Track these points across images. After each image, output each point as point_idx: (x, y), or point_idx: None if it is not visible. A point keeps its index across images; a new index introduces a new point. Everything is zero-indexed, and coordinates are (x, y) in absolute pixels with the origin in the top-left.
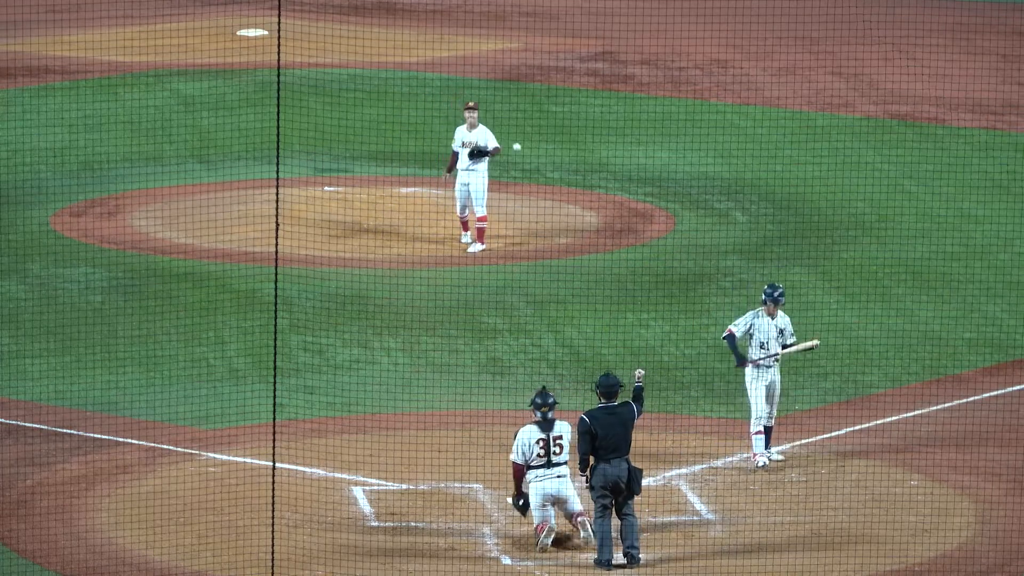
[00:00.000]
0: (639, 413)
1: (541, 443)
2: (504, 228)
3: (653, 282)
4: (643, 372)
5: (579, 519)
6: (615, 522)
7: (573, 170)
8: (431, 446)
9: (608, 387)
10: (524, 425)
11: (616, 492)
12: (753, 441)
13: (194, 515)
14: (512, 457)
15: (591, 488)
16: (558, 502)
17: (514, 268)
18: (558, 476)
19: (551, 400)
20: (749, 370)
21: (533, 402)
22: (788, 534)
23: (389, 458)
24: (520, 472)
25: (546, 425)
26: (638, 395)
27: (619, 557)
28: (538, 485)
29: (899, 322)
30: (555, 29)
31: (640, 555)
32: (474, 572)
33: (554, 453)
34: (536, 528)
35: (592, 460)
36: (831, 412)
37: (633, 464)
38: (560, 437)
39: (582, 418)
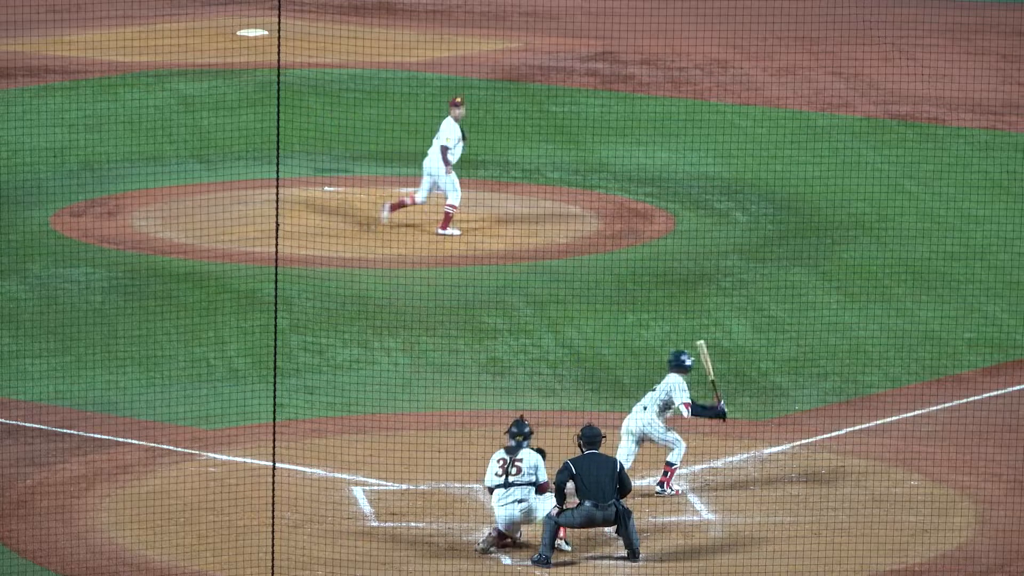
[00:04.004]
0: (625, 481)
1: (501, 463)
2: (505, 228)
3: (653, 282)
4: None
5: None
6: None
7: (573, 170)
8: (431, 446)
9: (591, 437)
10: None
11: (607, 525)
12: (674, 475)
13: (194, 515)
14: (484, 481)
15: (566, 509)
16: (514, 526)
17: (514, 268)
18: (517, 500)
19: (527, 430)
20: (659, 418)
21: (509, 430)
22: (788, 534)
23: (389, 458)
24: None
25: (511, 449)
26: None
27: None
28: (499, 511)
29: (899, 322)
30: (555, 29)
31: (641, 551)
32: (474, 572)
33: (510, 473)
34: (494, 530)
35: (578, 499)
36: (831, 412)
37: (624, 507)
38: (520, 460)
39: (566, 462)
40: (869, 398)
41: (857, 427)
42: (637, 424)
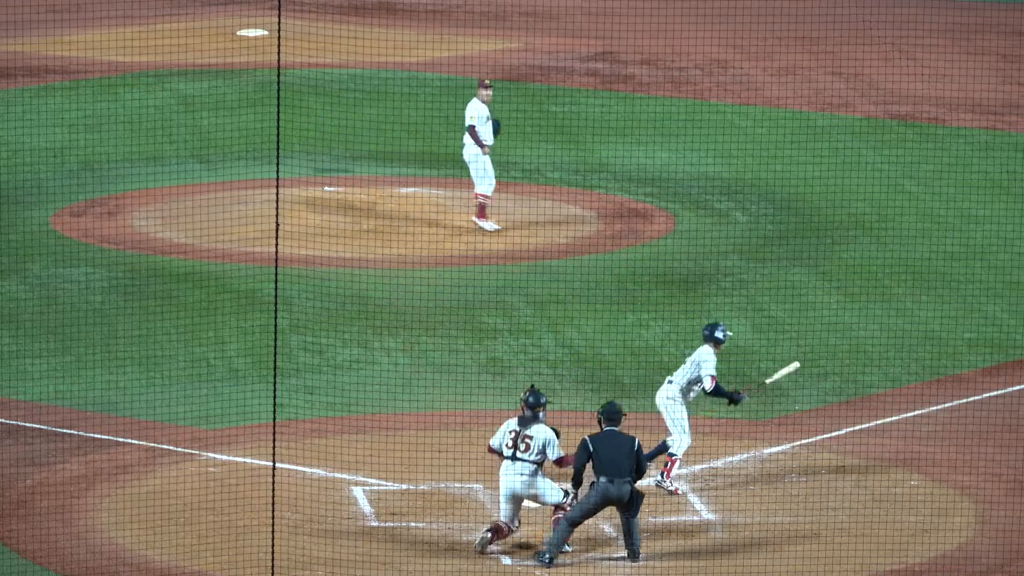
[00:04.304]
0: (641, 466)
1: (512, 435)
2: (505, 228)
3: (653, 282)
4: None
5: (552, 522)
6: (616, 521)
7: (573, 170)
8: (431, 446)
9: (611, 414)
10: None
11: (618, 507)
12: (674, 469)
13: (194, 515)
14: (491, 440)
15: (581, 493)
16: (515, 500)
17: (514, 268)
18: (520, 474)
19: (543, 401)
20: (682, 398)
21: (524, 399)
22: (788, 534)
23: (389, 458)
24: (490, 450)
25: (525, 421)
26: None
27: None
28: (502, 480)
29: (899, 322)
30: (555, 29)
31: (641, 551)
32: (474, 572)
33: (519, 449)
34: (494, 524)
35: (594, 477)
36: (831, 412)
37: (638, 490)
38: (530, 437)
39: (584, 439)
40: (869, 398)
41: (857, 427)
42: (660, 396)
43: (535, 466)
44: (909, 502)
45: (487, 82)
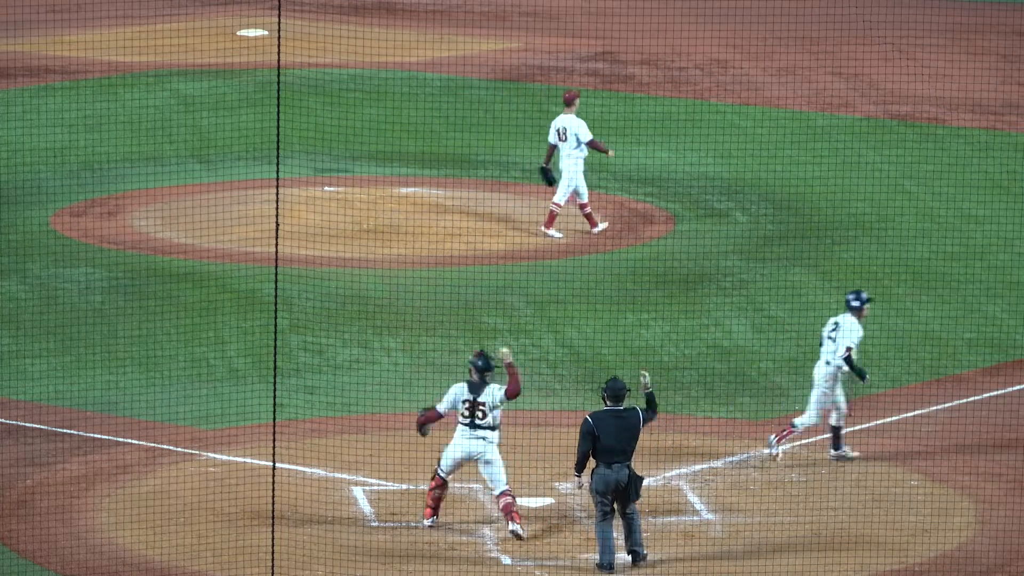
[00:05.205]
0: (648, 420)
1: (467, 404)
2: (505, 228)
3: (653, 282)
4: (647, 376)
5: (503, 509)
6: (618, 522)
7: None
8: (431, 446)
9: (615, 391)
10: (459, 382)
11: (617, 496)
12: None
13: (194, 515)
14: (438, 405)
15: (591, 491)
16: (469, 462)
17: (514, 268)
18: (480, 439)
19: (493, 365)
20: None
21: (474, 363)
22: (788, 534)
23: (389, 458)
24: (434, 416)
25: (476, 387)
26: (650, 401)
27: (621, 557)
28: (459, 442)
29: (899, 322)
30: (555, 29)
31: (644, 552)
32: (474, 572)
33: (477, 417)
34: (432, 481)
35: (593, 463)
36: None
37: (635, 471)
38: (483, 403)
39: (585, 419)
40: (869, 398)
41: (857, 427)
42: (821, 375)
43: (493, 432)
44: (909, 502)
45: (576, 93)
